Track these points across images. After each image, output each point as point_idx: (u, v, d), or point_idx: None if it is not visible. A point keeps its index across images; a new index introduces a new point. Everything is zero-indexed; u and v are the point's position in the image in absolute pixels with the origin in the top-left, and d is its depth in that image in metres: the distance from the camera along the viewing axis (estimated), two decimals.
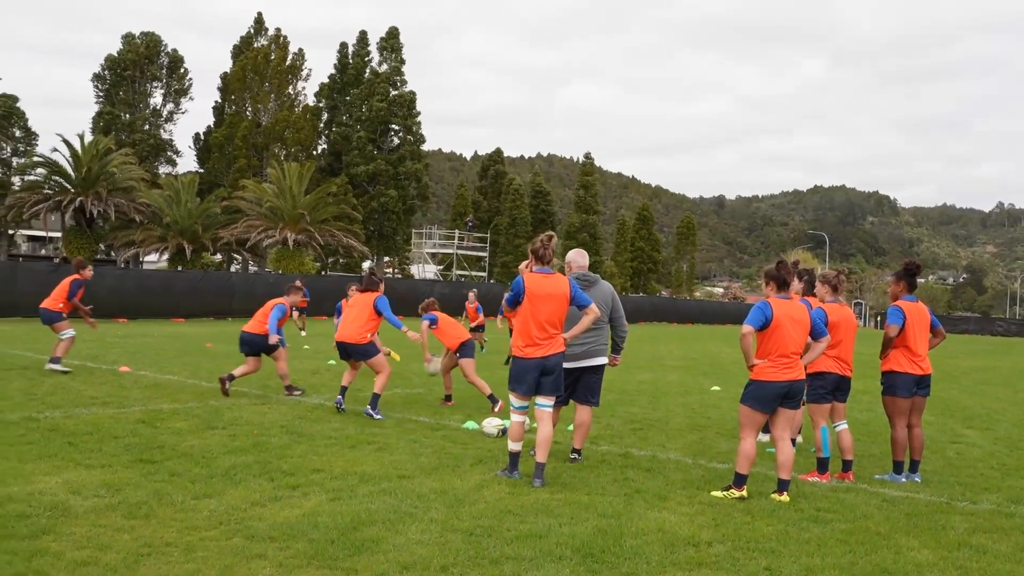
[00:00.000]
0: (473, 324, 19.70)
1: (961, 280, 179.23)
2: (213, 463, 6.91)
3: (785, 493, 6.51)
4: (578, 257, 7.85)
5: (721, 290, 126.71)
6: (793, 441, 8.29)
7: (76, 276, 12.89)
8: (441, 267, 66.90)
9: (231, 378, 10.88)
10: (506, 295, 6.98)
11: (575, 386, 7.66)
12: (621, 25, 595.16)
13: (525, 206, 70.98)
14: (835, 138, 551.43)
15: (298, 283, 11.93)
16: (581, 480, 6.92)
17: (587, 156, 78.95)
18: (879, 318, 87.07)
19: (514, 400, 6.90)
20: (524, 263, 7.10)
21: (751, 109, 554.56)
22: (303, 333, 23.52)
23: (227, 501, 5.77)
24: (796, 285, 7.44)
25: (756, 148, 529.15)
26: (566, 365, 7.33)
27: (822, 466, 7.39)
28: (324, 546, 4.89)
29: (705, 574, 4.77)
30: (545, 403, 6.89)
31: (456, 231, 67.27)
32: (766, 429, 7.95)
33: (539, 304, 6.75)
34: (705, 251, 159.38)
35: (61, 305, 12.74)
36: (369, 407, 9.80)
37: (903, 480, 7.48)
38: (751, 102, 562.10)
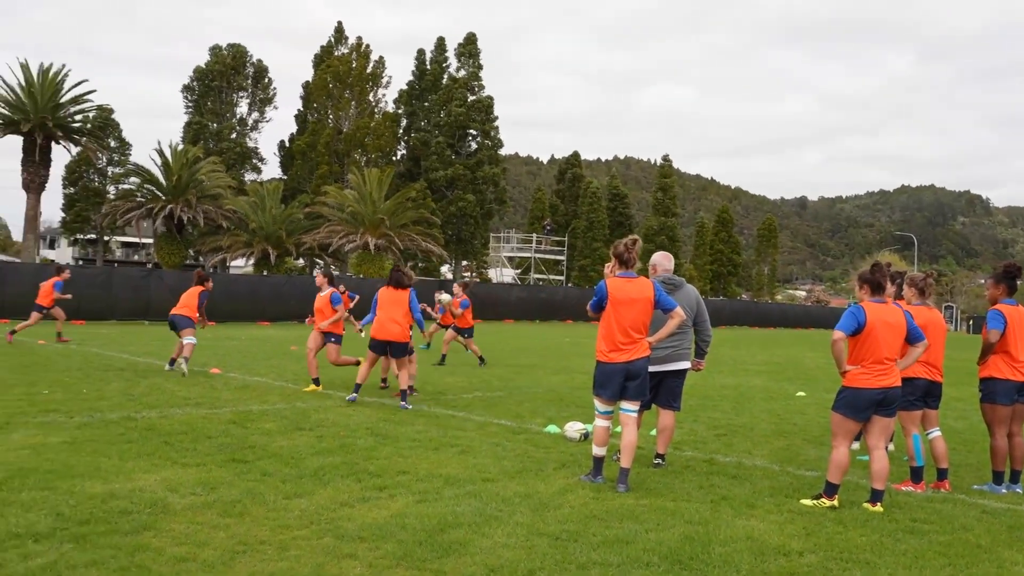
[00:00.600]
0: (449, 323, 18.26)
1: None
2: (302, 463, 7.06)
3: (879, 503, 6.32)
4: (664, 260, 7.81)
5: (804, 293, 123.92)
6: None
7: (203, 288, 13.92)
8: (519, 271, 67.09)
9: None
10: (591, 301, 6.94)
11: (657, 390, 7.60)
12: (699, 25, 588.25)
13: (602, 209, 70.64)
14: (923, 136, 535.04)
15: (341, 287, 12.93)
16: (666, 486, 6.85)
17: (665, 158, 78.17)
18: (971, 322, 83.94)
19: (599, 405, 6.87)
20: (608, 265, 7.07)
21: (835, 108, 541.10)
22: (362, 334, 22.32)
23: (317, 501, 5.89)
24: (890, 289, 7.23)
25: (840, 148, 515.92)
26: (650, 369, 7.28)
27: (916, 475, 7.15)
28: (412, 547, 4.95)
29: None
30: (630, 408, 6.84)
31: (534, 235, 67.39)
32: (856, 437, 7.73)
33: (623, 308, 6.71)
34: (787, 253, 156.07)
35: (196, 315, 13.67)
36: (403, 401, 10.66)
37: (1003, 491, 7.19)
38: (835, 100, 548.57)
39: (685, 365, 7.63)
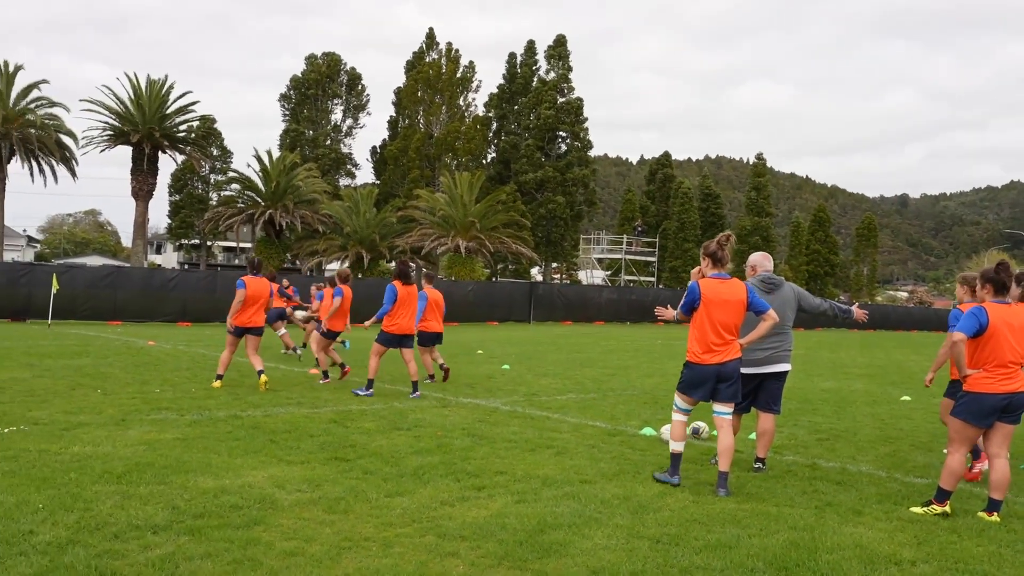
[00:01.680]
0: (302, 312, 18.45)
1: None
2: (402, 462, 7.18)
3: (996, 513, 6.05)
4: (763, 260, 7.70)
5: (905, 294, 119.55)
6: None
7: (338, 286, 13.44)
8: (609, 272, 66.75)
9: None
10: (683, 302, 6.86)
11: (756, 393, 7.46)
12: (795, 20, 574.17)
13: (694, 209, 69.69)
14: None
15: (284, 281, 13.49)
16: (768, 491, 6.71)
17: (759, 157, 76.59)
18: None
19: (680, 402, 6.80)
20: (696, 268, 6.96)
21: (939, 102, 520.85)
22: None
23: (418, 500, 5.98)
24: (1015, 291, 6.86)
25: (944, 143, 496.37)
26: (748, 371, 7.16)
27: None
28: (513, 547, 4.98)
29: None
30: (724, 410, 6.73)
31: (624, 236, 66.94)
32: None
33: (715, 310, 6.61)
34: (887, 253, 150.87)
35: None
36: (415, 392, 11.48)
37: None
38: (939, 94, 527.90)
39: (786, 367, 7.48)
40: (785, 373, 7.50)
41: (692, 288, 6.69)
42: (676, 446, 6.78)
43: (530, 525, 5.43)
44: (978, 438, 6.29)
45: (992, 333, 6.00)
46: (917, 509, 6.18)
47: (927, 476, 7.49)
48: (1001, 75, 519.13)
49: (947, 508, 6.08)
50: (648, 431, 9.24)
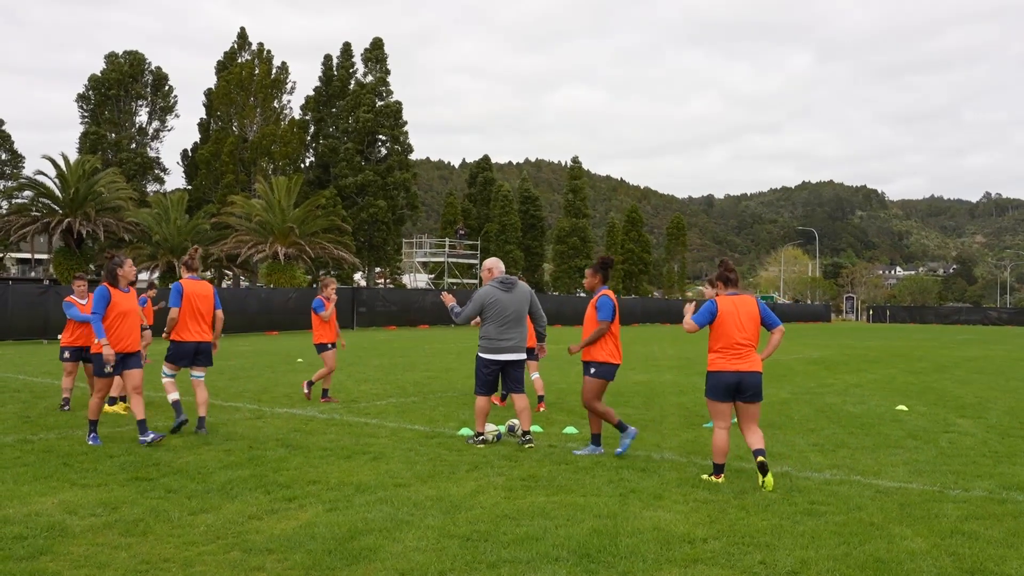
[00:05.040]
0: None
1: (951, 271, 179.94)
2: (209, 478, 6.92)
3: (766, 472, 6.56)
4: (497, 263, 8.89)
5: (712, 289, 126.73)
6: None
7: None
8: (433, 276, 66.89)
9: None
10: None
11: (503, 377, 8.65)
12: (606, 27, 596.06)
13: (515, 212, 71.07)
14: (823, 134, 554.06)
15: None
16: (576, 482, 6.95)
17: (575, 160, 79.13)
18: (871, 311, 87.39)
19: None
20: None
21: (739, 107, 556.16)
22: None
23: (224, 515, 5.78)
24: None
25: (745, 146, 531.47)
26: (491, 357, 8.47)
27: None
28: (321, 556, 4.92)
29: (701, 570, 4.81)
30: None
31: (447, 239, 67.30)
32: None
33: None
34: (696, 251, 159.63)
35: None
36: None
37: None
38: (738, 100, 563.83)
39: (522, 356, 8.62)
40: (523, 361, 8.67)
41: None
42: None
43: (340, 533, 5.38)
44: (730, 411, 6.99)
45: (722, 319, 6.94)
46: (704, 476, 7.05)
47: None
48: (790, 83, 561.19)
49: (718, 479, 6.96)
50: (466, 432, 9.34)
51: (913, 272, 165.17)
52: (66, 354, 10.67)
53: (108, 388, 8.71)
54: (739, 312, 6.93)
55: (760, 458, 6.76)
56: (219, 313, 9.63)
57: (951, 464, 7.94)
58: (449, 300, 8.76)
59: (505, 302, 8.52)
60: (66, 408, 10.80)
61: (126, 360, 8.53)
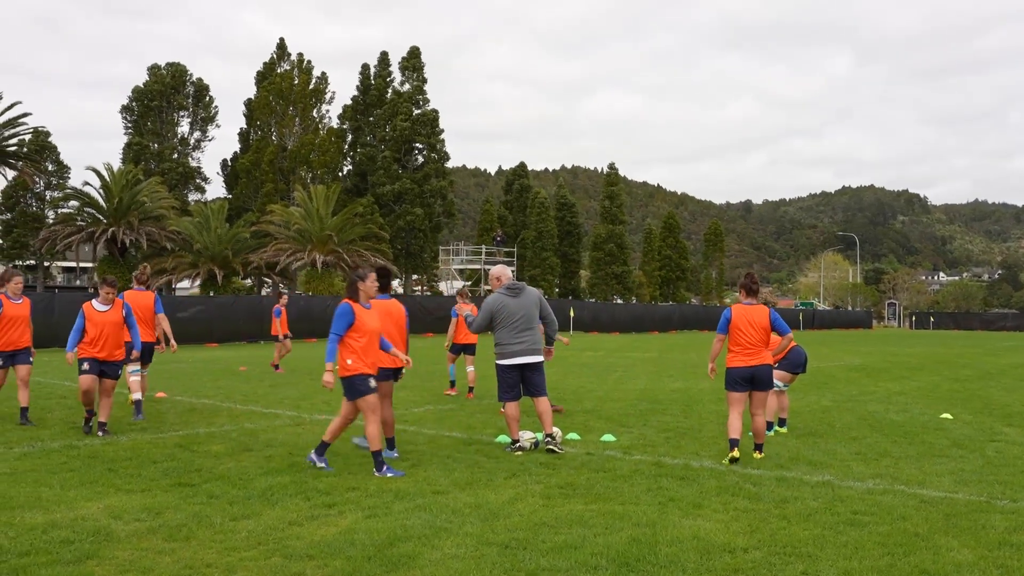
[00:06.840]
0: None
1: (996, 276, 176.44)
2: (250, 484, 7.00)
3: (759, 452, 6.47)
4: (504, 270, 9.14)
5: None
6: (770, 425, 9.72)
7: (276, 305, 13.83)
8: (469, 283, 67.05)
9: None
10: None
11: (523, 382, 8.74)
12: (641, 31, 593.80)
13: (551, 219, 70.99)
14: (864, 137, 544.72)
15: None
16: (615, 490, 6.92)
17: (611, 166, 78.87)
18: (914, 318, 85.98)
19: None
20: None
21: (777, 111, 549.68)
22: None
23: (265, 521, 5.85)
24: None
25: (783, 151, 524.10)
26: (507, 363, 8.59)
27: None
28: (361, 563, 4.94)
29: None
30: None
31: (483, 246, 67.44)
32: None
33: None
34: (734, 257, 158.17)
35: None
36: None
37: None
38: (777, 103, 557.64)
39: (539, 359, 8.74)
40: (541, 363, 8.75)
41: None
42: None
43: (379, 539, 5.41)
44: (744, 401, 8.18)
45: (735, 325, 8.25)
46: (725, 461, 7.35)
47: (763, 467, 7.91)
48: (830, 85, 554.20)
49: (735, 453, 8.00)
50: (503, 439, 9.34)
51: (957, 278, 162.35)
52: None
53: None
54: (749, 320, 8.25)
55: (757, 442, 8.43)
56: (161, 316, 11.35)
57: (998, 474, 7.78)
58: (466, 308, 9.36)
59: (513, 307, 8.69)
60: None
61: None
